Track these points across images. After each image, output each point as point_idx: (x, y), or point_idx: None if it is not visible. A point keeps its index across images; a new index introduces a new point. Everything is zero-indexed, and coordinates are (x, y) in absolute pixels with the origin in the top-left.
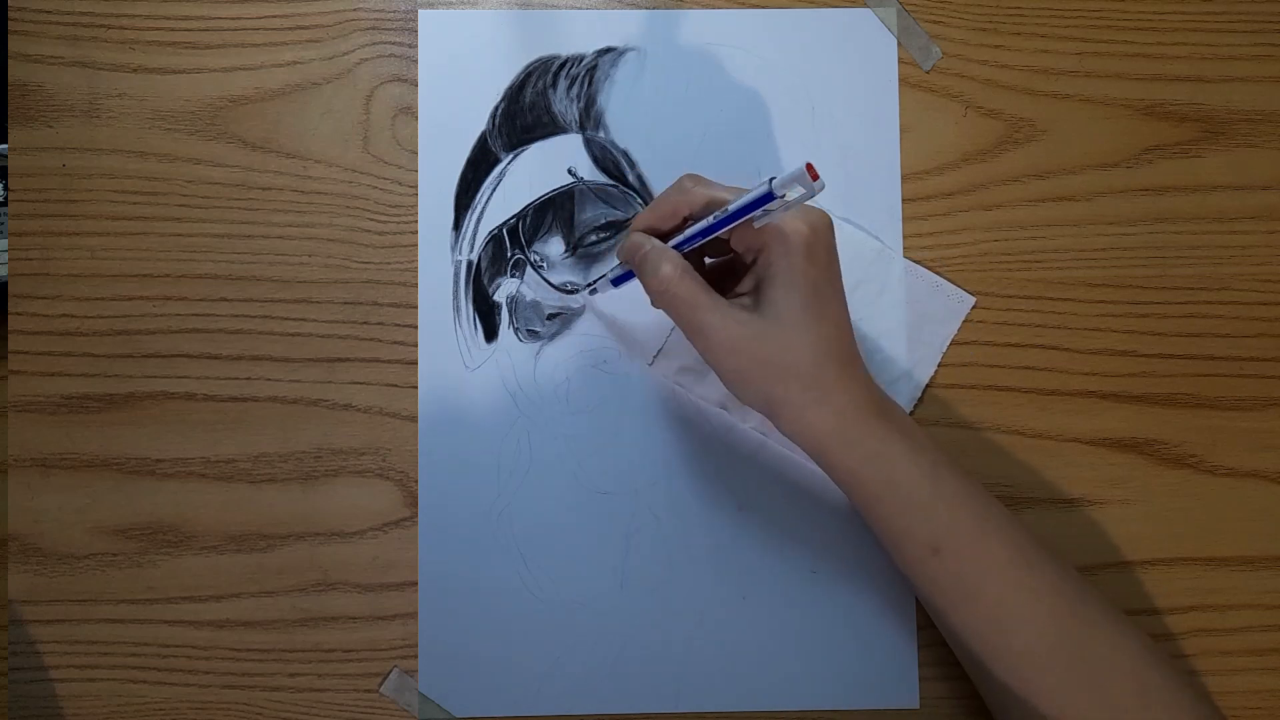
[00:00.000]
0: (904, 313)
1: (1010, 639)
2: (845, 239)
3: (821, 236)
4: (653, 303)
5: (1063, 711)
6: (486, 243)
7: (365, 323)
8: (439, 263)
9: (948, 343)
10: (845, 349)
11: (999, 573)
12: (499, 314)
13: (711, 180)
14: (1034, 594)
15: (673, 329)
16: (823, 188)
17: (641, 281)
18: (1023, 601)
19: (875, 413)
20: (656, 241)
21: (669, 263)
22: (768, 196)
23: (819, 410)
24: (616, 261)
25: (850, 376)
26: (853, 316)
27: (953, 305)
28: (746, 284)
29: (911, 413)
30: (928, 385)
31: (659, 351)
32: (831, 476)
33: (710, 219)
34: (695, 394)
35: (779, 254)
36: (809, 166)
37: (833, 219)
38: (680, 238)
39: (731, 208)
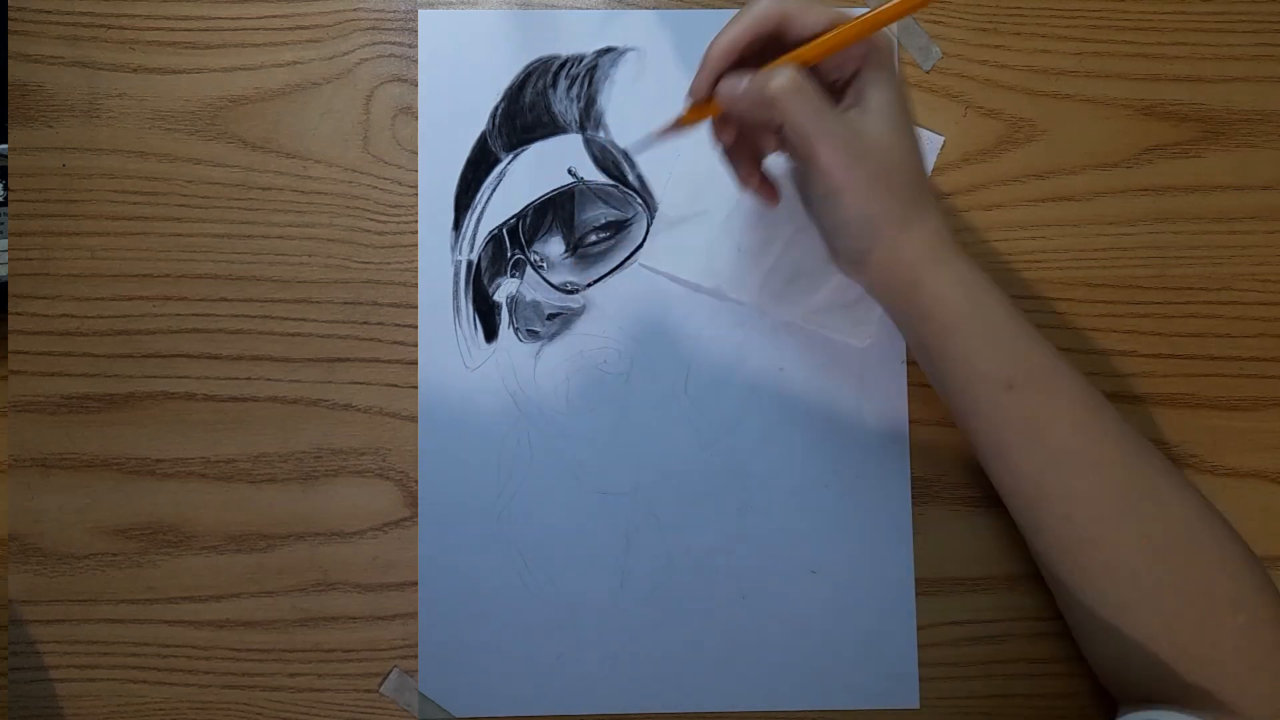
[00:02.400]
0: None
1: (1069, 482)
2: None
3: (893, 46)
4: (763, 117)
5: (1110, 560)
6: (486, 243)
7: (365, 323)
8: (439, 263)
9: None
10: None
11: (1067, 415)
12: (499, 314)
13: None
14: (1100, 439)
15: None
16: None
17: (753, 98)
18: (1085, 446)
19: (956, 239)
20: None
21: (786, 70)
22: None
23: (918, 229)
24: (618, 261)
25: (933, 196)
26: None
27: (921, 147)
28: (850, 98)
29: None
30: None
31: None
32: (911, 307)
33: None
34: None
35: (877, 63)
36: None
37: None
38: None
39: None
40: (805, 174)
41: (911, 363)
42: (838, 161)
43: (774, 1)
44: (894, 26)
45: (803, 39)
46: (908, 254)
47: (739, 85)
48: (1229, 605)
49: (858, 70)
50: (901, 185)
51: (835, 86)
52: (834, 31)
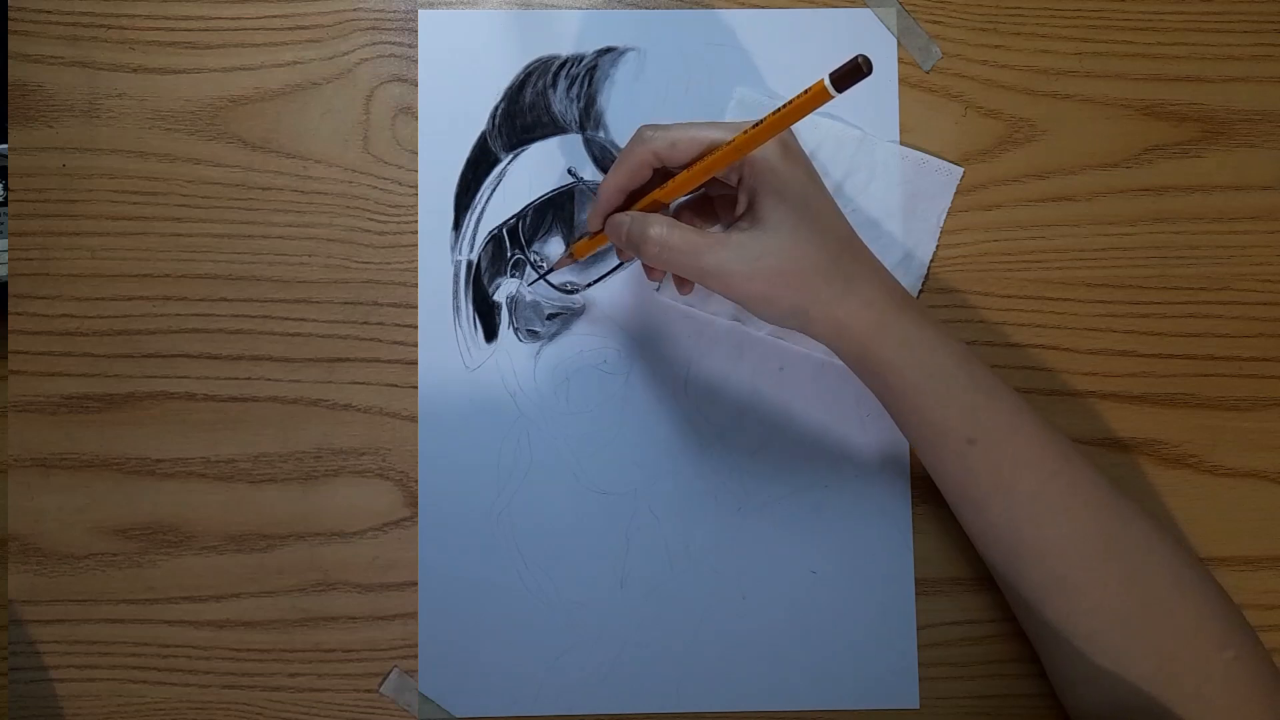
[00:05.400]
0: (896, 194)
1: (1046, 530)
2: (826, 132)
3: (788, 137)
4: (653, 266)
5: (1098, 604)
6: (486, 243)
7: (365, 323)
8: (439, 263)
9: (944, 217)
10: (853, 240)
11: (1035, 464)
12: (499, 314)
13: (666, 124)
14: (1070, 486)
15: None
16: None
17: (636, 253)
18: (1059, 493)
19: (903, 301)
20: (633, 213)
21: (654, 224)
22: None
23: (848, 303)
24: (618, 261)
25: (868, 265)
26: (846, 206)
27: (942, 179)
28: (741, 205)
29: (919, 294)
30: (930, 266)
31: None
32: (865, 374)
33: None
34: (707, 311)
35: (760, 166)
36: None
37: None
38: (682, 194)
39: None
40: None
41: None
42: (730, 289)
43: (641, 146)
44: (894, 26)
45: (680, 168)
46: (846, 325)
47: (622, 227)
48: (1217, 643)
49: (741, 174)
50: (815, 275)
51: (728, 183)
52: (689, 173)
